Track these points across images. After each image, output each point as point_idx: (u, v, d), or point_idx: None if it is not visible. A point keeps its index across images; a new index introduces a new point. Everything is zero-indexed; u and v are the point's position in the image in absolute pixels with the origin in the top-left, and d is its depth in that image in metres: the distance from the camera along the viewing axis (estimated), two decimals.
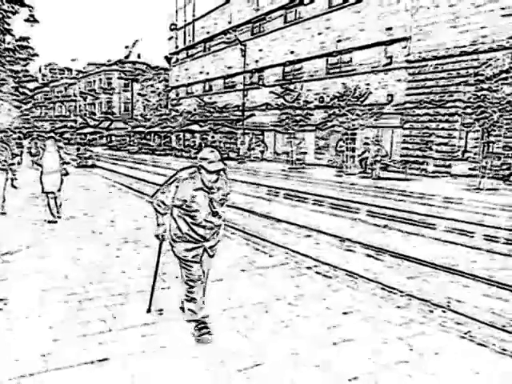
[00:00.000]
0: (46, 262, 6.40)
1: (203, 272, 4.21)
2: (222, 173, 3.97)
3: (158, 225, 4.19)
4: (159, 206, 4.04)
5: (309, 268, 6.59)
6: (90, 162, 28.17)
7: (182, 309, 4.42)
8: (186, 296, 4.13)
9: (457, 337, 4.39)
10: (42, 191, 9.42)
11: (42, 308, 4.74)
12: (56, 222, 9.41)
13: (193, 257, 4.03)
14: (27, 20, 22.99)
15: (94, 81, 76.10)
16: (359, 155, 25.76)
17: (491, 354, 4.01)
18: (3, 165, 9.50)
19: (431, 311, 5.40)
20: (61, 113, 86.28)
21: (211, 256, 4.21)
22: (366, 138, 25.82)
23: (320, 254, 8.20)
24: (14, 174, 10.24)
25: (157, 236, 4.26)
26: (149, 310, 4.63)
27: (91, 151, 31.48)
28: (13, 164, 10.16)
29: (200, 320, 4.12)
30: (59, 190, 9.57)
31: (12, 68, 26.96)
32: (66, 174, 9.66)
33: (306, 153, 30.27)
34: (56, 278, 5.71)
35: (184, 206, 3.89)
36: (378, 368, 3.65)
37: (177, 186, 3.89)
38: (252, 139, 36.69)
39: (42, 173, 9.30)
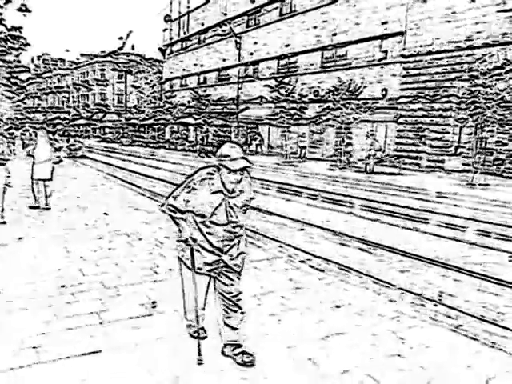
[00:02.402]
0: (39, 254, 6.36)
1: (235, 294, 3.57)
2: (245, 173, 3.41)
3: (180, 230, 3.46)
4: (173, 212, 3.42)
5: (302, 261, 6.61)
6: (79, 153, 28.83)
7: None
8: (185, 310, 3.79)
9: (448, 330, 4.42)
10: (31, 178, 9.77)
11: (34, 300, 4.71)
12: (38, 207, 9.75)
13: (209, 271, 3.50)
14: (19, 9, 22.69)
15: (88, 72, 75.51)
16: (340, 149, 25.88)
17: (482, 348, 4.04)
18: (0, 158, 9.03)
19: (423, 305, 5.44)
20: (54, 104, 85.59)
21: (238, 272, 3.54)
22: (346, 130, 25.73)
23: (313, 247, 8.21)
24: (8, 172, 9.76)
25: (185, 241, 3.42)
26: (200, 361, 3.56)
27: (81, 142, 31.88)
28: (7, 160, 9.86)
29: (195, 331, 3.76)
30: (50, 179, 9.84)
31: (4, 58, 26.65)
32: (60, 161, 9.92)
33: (305, 147, 30.22)
34: (48, 270, 5.68)
35: (200, 213, 3.33)
36: (369, 361, 3.67)
37: (193, 188, 3.33)
38: (249, 133, 36.60)
39: (33, 163, 9.64)
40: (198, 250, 3.42)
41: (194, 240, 3.39)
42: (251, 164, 3.31)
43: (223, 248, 3.43)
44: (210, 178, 3.34)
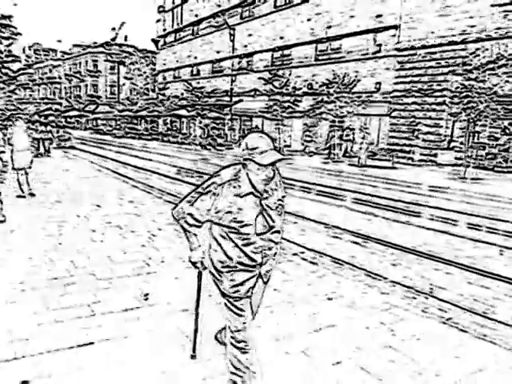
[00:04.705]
0: (31, 246, 6.32)
1: (257, 306, 3.18)
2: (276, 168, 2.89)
3: (192, 249, 2.96)
4: (187, 222, 2.85)
5: (295, 254, 6.62)
6: (68, 144, 29.88)
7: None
8: (236, 354, 2.91)
9: (439, 323, 4.46)
10: (12, 168, 10.06)
11: (26, 292, 4.68)
12: (24, 196, 10.04)
13: (247, 291, 2.89)
14: None
15: (80, 63, 74.78)
16: (327, 141, 25.92)
17: (472, 340, 4.08)
18: None
19: (414, 298, 5.48)
20: (45, 95, 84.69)
21: (265, 282, 3.07)
22: (333, 121, 25.70)
23: (306, 240, 8.23)
24: (5, 166, 9.79)
25: (194, 264, 3.00)
26: (193, 356, 3.48)
27: (70, 133, 32.36)
28: (2, 152, 9.93)
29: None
30: (30, 168, 10.21)
31: None
32: (37, 150, 10.65)
33: (312, 141, 30.04)
34: (40, 261, 5.65)
35: (229, 222, 2.72)
36: (361, 353, 3.70)
37: (215, 194, 2.73)
38: (245, 126, 36.52)
39: (12, 151, 9.93)
40: (234, 267, 2.82)
41: (205, 267, 2.96)
42: (284, 156, 2.75)
43: (262, 260, 2.89)
44: (236, 180, 2.73)
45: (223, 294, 2.89)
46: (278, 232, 2.94)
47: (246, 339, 2.88)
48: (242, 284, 2.84)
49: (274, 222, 2.84)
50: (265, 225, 2.79)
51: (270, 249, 2.90)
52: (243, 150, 2.72)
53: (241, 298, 2.87)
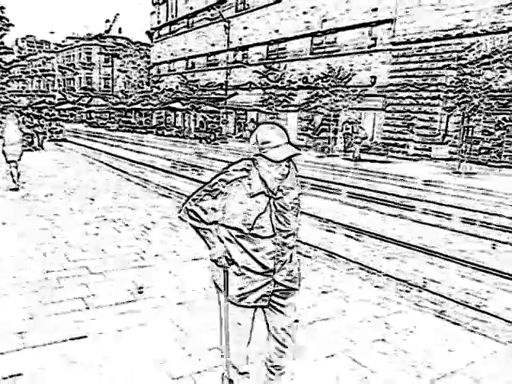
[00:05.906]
0: (24, 240, 6.28)
1: (285, 328, 2.71)
2: (291, 164, 2.54)
3: (210, 246, 2.60)
4: (196, 221, 2.56)
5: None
6: (60, 136, 29.92)
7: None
8: (230, 358, 2.69)
9: (432, 316, 4.49)
10: (6, 161, 10.23)
11: (20, 286, 4.66)
12: (18, 189, 10.12)
13: (256, 301, 2.55)
14: None
15: (74, 55, 74.14)
16: (316, 131, 25.89)
17: (464, 332, 4.12)
18: None
19: (408, 291, 5.51)
20: (39, 87, 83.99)
21: (295, 289, 2.68)
22: (326, 115, 25.67)
23: (300, 234, 8.24)
24: None
25: (215, 261, 2.54)
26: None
27: (62, 126, 32.25)
28: None
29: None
30: (19, 160, 10.29)
31: None
32: (31, 143, 10.87)
33: (308, 134, 29.88)
34: (34, 255, 5.62)
35: (237, 225, 2.45)
36: (354, 346, 3.72)
37: (222, 193, 2.46)
38: (240, 118, 36.38)
39: (3, 144, 10.03)
40: (242, 274, 2.51)
41: (231, 262, 2.52)
42: (300, 152, 2.39)
43: (275, 267, 2.54)
44: (246, 177, 2.44)
45: (229, 301, 2.57)
46: (294, 235, 2.60)
47: (238, 357, 2.67)
48: (252, 292, 2.53)
49: (289, 223, 2.53)
50: (278, 227, 2.49)
51: (283, 254, 2.55)
52: (253, 144, 2.42)
53: (246, 307, 2.56)
